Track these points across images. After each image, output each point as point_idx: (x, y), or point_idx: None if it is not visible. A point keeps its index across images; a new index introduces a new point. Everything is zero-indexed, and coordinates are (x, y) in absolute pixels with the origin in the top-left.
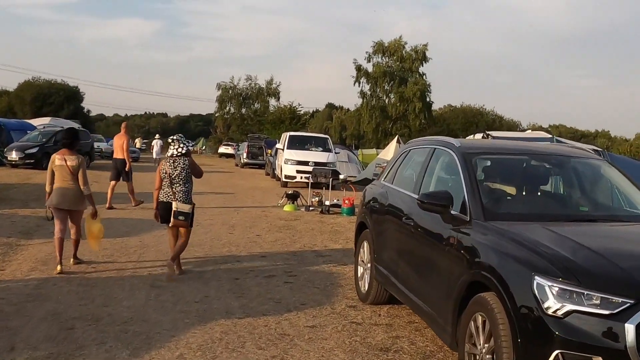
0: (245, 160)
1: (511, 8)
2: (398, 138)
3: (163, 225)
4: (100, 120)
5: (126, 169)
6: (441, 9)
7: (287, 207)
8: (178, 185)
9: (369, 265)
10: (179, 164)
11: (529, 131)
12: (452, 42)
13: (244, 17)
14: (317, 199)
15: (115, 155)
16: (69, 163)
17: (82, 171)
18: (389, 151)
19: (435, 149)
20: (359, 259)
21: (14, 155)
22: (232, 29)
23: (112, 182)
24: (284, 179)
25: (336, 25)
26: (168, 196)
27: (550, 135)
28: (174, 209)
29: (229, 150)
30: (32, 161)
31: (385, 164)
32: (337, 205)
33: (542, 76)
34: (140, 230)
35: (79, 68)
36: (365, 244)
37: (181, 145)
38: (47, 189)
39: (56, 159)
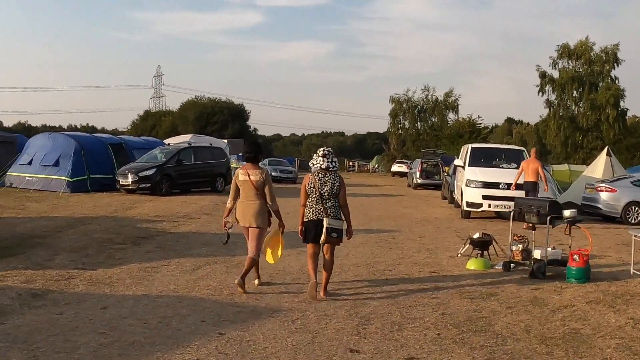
0: (418, 181)
1: None
2: (608, 150)
3: None
4: (276, 140)
5: (545, 190)
6: (613, 18)
7: (473, 264)
8: (329, 200)
9: None
10: (329, 178)
11: None
12: (628, 50)
13: (418, 34)
14: (520, 247)
15: (526, 179)
16: (252, 178)
17: (268, 187)
18: (597, 167)
19: None
20: None
21: (127, 179)
22: (406, 47)
23: None
24: (465, 208)
25: (509, 39)
26: (318, 213)
27: None
28: (325, 225)
29: (403, 168)
30: (147, 185)
31: (599, 185)
32: (559, 262)
33: None
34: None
35: (254, 90)
36: None
37: (332, 161)
38: (228, 205)
39: (240, 174)
